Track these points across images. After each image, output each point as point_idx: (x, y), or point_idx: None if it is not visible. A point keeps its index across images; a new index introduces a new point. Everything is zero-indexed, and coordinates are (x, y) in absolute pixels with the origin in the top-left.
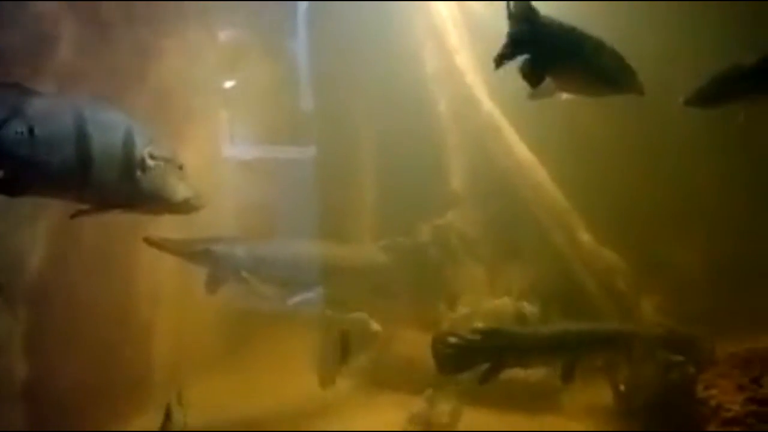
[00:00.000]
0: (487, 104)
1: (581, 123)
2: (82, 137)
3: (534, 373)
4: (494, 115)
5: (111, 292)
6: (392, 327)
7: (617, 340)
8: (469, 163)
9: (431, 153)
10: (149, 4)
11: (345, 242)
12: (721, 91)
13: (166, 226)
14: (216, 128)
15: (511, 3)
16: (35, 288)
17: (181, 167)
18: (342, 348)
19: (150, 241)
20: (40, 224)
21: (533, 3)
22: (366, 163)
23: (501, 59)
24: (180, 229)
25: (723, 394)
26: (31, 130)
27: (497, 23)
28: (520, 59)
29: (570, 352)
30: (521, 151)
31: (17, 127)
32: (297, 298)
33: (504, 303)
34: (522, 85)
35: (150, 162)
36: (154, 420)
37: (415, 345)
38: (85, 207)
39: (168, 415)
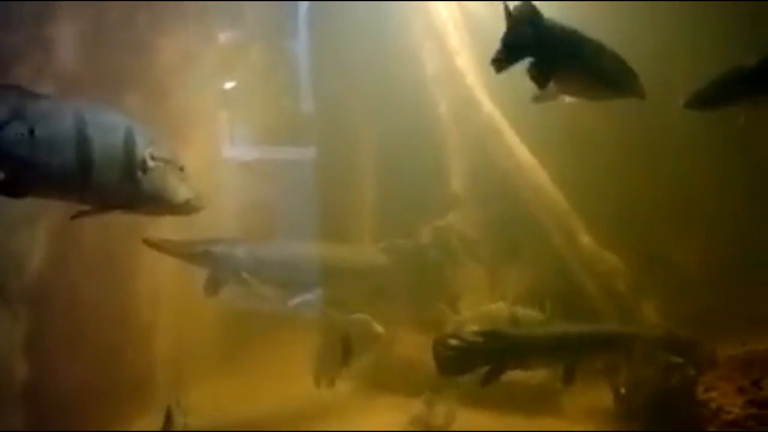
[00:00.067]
0: (488, 106)
1: (582, 125)
2: (82, 139)
3: (534, 375)
4: (495, 117)
5: (112, 293)
6: (392, 329)
7: (618, 342)
8: (470, 165)
9: (431, 154)
10: (149, 5)
11: (345, 243)
12: (720, 93)
13: (167, 228)
14: (216, 129)
15: (512, 4)
16: (36, 289)
17: (181, 168)
18: (343, 349)
19: (150, 243)
20: (41, 225)
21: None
22: (366, 165)
23: (505, 62)
24: (180, 230)
25: (723, 396)
26: (31, 132)
27: (498, 25)
28: (524, 61)
29: (571, 354)
30: (522, 152)
31: (18, 129)
32: (297, 300)
33: (499, 307)
34: (523, 87)
35: (151, 163)
36: (155, 421)
37: (415, 347)
38: (85, 208)
39: (169, 417)
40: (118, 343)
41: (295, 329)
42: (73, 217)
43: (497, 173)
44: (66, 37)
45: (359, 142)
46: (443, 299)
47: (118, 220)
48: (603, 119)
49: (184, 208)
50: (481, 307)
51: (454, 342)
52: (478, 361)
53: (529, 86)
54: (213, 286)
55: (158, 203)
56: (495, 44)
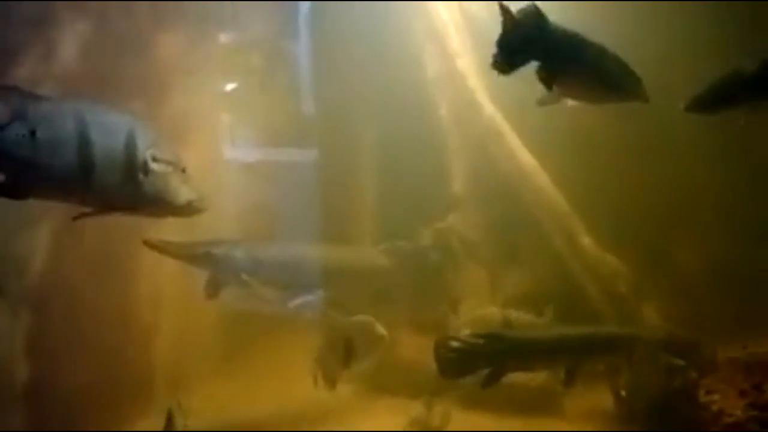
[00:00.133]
0: (489, 108)
1: (583, 127)
2: (84, 140)
3: (535, 378)
4: (496, 120)
5: (113, 294)
6: (393, 331)
7: (619, 345)
8: (471, 167)
9: (432, 156)
10: (150, 7)
11: (346, 245)
12: (721, 97)
13: (168, 229)
14: (217, 131)
15: (513, 6)
16: (37, 290)
17: (183, 170)
18: (345, 351)
19: (150, 244)
20: (42, 227)
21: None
22: (367, 167)
23: (508, 66)
24: (181, 231)
25: (724, 399)
26: (32, 133)
27: (499, 27)
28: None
29: (572, 357)
30: (523, 155)
31: (19, 130)
32: (298, 301)
33: (492, 311)
34: (524, 89)
35: (152, 165)
36: (156, 422)
37: (416, 349)
38: (87, 210)
39: (170, 418)
40: (118, 345)
41: (296, 331)
42: (75, 219)
43: (498, 175)
44: (67, 38)
45: (360, 144)
46: (444, 301)
47: (119, 221)
48: (604, 122)
49: (186, 210)
50: (476, 311)
51: (455, 344)
52: (480, 363)
53: (531, 89)
54: (213, 287)
55: (160, 205)
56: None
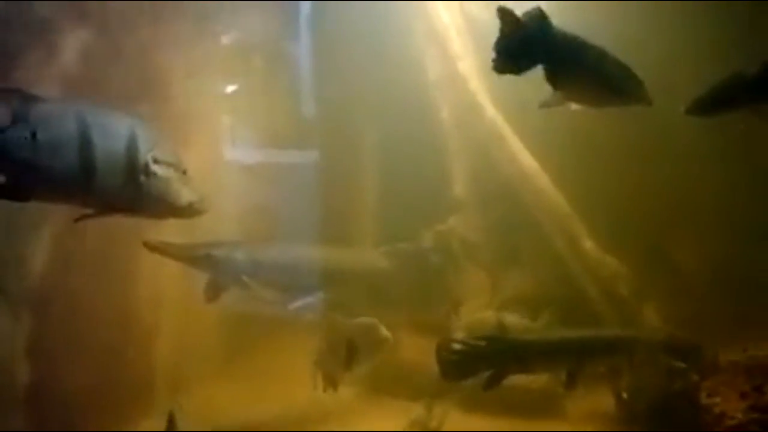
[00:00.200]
0: (490, 111)
1: (584, 130)
2: (85, 142)
3: (536, 380)
4: (497, 122)
5: (114, 296)
6: (393, 333)
7: (620, 347)
8: (472, 169)
9: (433, 159)
10: (151, 8)
11: (347, 247)
12: (721, 100)
13: (168, 231)
14: (218, 132)
15: (515, 7)
16: (38, 292)
17: (184, 171)
18: (348, 353)
19: (150, 246)
20: (43, 229)
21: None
22: (368, 168)
23: (515, 68)
24: (182, 233)
25: (726, 401)
26: (34, 135)
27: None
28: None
29: (573, 359)
30: (524, 157)
31: (20, 132)
32: (298, 303)
33: (487, 315)
34: (525, 92)
35: (153, 166)
36: (157, 424)
37: (416, 351)
38: (88, 211)
39: (171, 420)
40: (119, 346)
41: (296, 333)
42: (76, 221)
43: (499, 178)
44: (68, 40)
45: (361, 146)
46: (445, 304)
47: (120, 223)
48: (605, 124)
49: (188, 211)
50: (472, 314)
51: (457, 346)
52: (481, 366)
53: (532, 92)
54: (213, 290)
55: (161, 206)
56: None
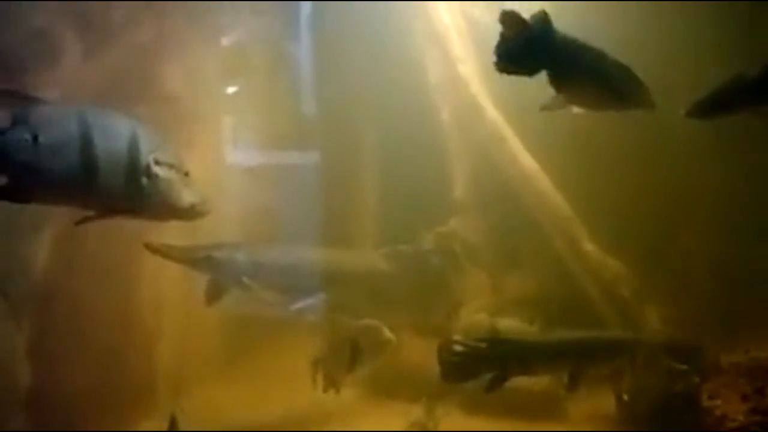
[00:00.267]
0: (491, 112)
1: (584, 131)
2: (86, 144)
3: (537, 382)
4: (498, 124)
5: (115, 298)
6: (394, 335)
7: (621, 349)
8: (473, 171)
9: (434, 161)
10: (152, 10)
11: (347, 249)
12: (722, 103)
13: (169, 233)
14: (219, 134)
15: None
16: (40, 294)
17: (186, 173)
18: (351, 354)
19: (151, 248)
20: (45, 231)
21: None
22: (369, 170)
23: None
24: (183, 235)
25: (727, 403)
26: (35, 138)
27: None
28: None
29: (575, 361)
30: (525, 159)
31: (21, 135)
32: (299, 304)
33: (481, 318)
34: (526, 94)
35: (155, 168)
36: (159, 426)
37: (417, 353)
38: (90, 213)
39: (173, 423)
40: (121, 348)
41: (298, 334)
42: (78, 223)
43: (500, 179)
44: (70, 42)
45: (362, 148)
46: (446, 305)
47: (121, 225)
48: (606, 126)
49: (189, 213)
50: (466, 318)
51: (458, 348)
52: (483, 368)
53: (533, 93)
54: (214, 292)
55: (163, 208)
56: None
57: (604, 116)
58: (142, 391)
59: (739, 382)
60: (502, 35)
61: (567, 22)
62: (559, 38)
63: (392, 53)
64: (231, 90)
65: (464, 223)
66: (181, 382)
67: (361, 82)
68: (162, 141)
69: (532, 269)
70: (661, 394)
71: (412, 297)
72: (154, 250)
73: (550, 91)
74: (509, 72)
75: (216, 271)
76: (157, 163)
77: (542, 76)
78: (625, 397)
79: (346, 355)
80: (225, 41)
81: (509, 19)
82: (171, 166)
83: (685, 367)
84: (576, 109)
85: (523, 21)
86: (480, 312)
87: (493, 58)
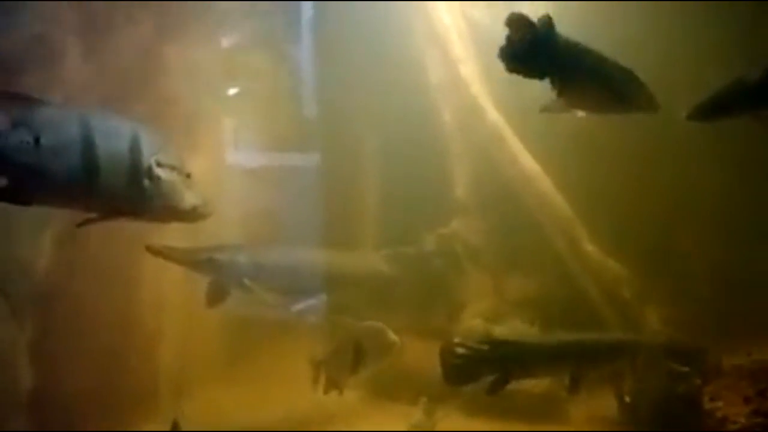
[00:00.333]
0: (492, 114)
1: (585, 133)
2: (88, 146)
3: (538, 384)
4: (499, 125)
5: (116, 300)
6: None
7: (623, 351)
8: (474, 173)
9: (435, 162)
10: (154, 12)
11: (348, 251)
12: (723, 106)
13: (171, 235)
14: (220, 136)
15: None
16: (41, 296)
17: (188, 175)
18: (354, 356)
19: (152, 250)
20: (46, 233)
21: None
22: (370, 172)
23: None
24: (184, 237)
25: (729, 406)
26: (37, 140)
27: (502, 33)
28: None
29: (577, 363)
30: (526, 160)
31: (23, 137)
32: (300, 306)
33: (476, 324)
34: (527, 95)
35: (157, 170)
36: (160, 428)
37: (419, 355)
38: (91, 215)
39: (175, 426)
40: (122, 350)
41: (299, 336)
42: (79, 225)
43: (501, 181)
44: (71, 44)
45: (363, 149)
46: (447, 307)
47: (123, 227)
48: (606, 127)
49: (191, 215)
50: (464, 322)
51: (460, 350)
52: (485, 370)
53: (534, 95)
54: (216, 294)
55: (165, 210)
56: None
57: (605, 118)
58: (144, 392)
59: (741, 385)
60: (509, 38)
61: (567, 22)
62: (562, 42)
63: (393, 55)
64: (232, 92)
65: (466, 224)
66: (182, 384)
67: (362, 84)
68: (164, 143)
69: (533, 270)
70: (663, 396)
71: (413, 299)
72: (156, 252)
73: (550, 93)
74: (519, 73)
75: (217, 273)
76: (159, 165)
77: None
78: (627, 399)
79: (350, 357)
80: (226, 43)
81: (516, 22)
82: (173, 168)
83: (686, 369)
84: (580, 113)
85: (530, 24)
86: (481, 314)
87: (500, 60)
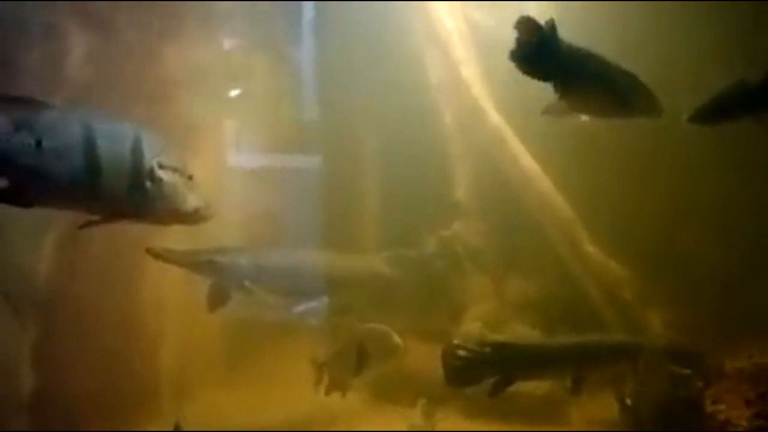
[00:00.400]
0: (493, 115)
1: (586, 134)
2: (90, 148)
3: (539, 386)
4: (500, 127)
5: (118, 302)
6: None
7: (624, 353)
8: (475, 174)
9: (436, 163)
10: (155, 14)
11: (349, 252)
12: (724, 109)
13: (172, 237)
14: (222, 137)
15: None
16: (43, 298)
17: (190, 177)
18: (358, 358)
19: (153, 253)
20: (48, 235)
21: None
22: (371, 173)
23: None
24: (185, 239)
25: (730, 409)
26: (39, 142)
27: (503, 35)
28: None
29: (578, 365)
30: (527, 161)
31: (25, 140)
32: (301, 308)
33: (473, 328)
34: (528, 97)
35: (159, 172)
36: (162, 430)
37: (420, 357)
38: (93, 218)
39: (176, 428)
40: (124, 352)
41: (300, 338)
42: (81, 227)
43: (502, 182)
44: (73, 47)
45: (364, 151)
46: (448, 309)
47: (124, 229)
48: (607, 128)
49: (193, 217)
50: (462, 326)
51: (462, 352)
52: (487, 372)
53: (535, 96)
54: (217, 296)
55: (167, 212)
56: (501, 55)
57: (606, 119)
58: (145, 394)
59: (743, 387)
60: (518, 40)
61: (568, 23)
62: (565, 47)
63: (394, 56)
64: (233, 93)
65: (467, 226)
66: (183, 386)
67: (363, 86)
68: (165, 145)
69: (534, 272)
70: (664, 399)
71: (414, 301)
72: (157, 254)
73: (551, 94)
74: (532, 75)
75: (218, 275)
76: (160, 167)
77: None
78: (628, 402)
79: (353, 359)
80: (227, 44)
81: (525, 24)
82: (175, 170)
83: (687, 371)
84: (583, 117)
85: (538, 26)
86: (482, 316)
87: (512, 62)
